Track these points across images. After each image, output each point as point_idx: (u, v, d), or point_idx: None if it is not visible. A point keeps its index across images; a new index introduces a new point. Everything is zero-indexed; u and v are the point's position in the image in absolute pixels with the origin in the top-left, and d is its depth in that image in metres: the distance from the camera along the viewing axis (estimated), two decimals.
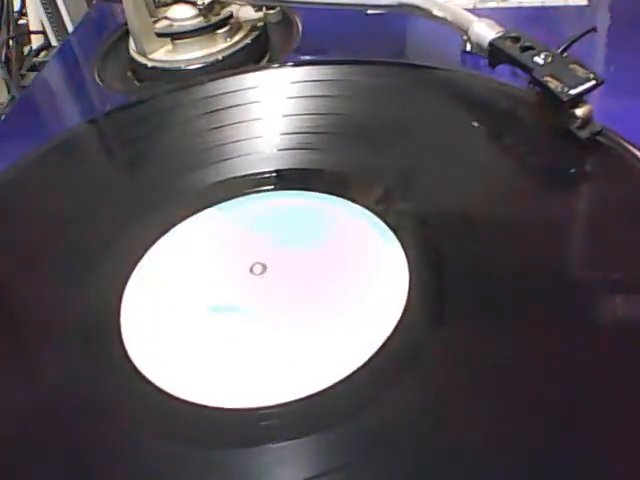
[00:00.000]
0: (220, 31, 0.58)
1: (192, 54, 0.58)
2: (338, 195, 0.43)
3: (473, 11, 0.49)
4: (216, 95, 0.52)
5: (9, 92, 0.78)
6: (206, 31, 0.58)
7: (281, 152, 0.47)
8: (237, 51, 0.59)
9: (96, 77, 0.61)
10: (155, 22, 0.59)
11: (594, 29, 0.47)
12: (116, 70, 0.62)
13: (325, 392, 0.33)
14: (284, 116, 0.50)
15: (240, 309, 0.38)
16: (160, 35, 0.58)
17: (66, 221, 0.45)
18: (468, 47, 0.50)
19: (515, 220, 0.40)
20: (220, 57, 0.58)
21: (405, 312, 0.36)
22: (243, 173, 0.46)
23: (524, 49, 0.44)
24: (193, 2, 0.58)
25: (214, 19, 0.58)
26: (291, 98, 0.51)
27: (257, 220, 0.43)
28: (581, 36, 0.45)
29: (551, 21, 0.58)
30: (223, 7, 0.59)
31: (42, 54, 0.83)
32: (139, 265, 0.41)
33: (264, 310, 0.38)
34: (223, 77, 0.54)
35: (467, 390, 0.32)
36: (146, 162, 0.49)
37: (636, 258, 0.36)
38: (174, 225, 0.43)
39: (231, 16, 0.59)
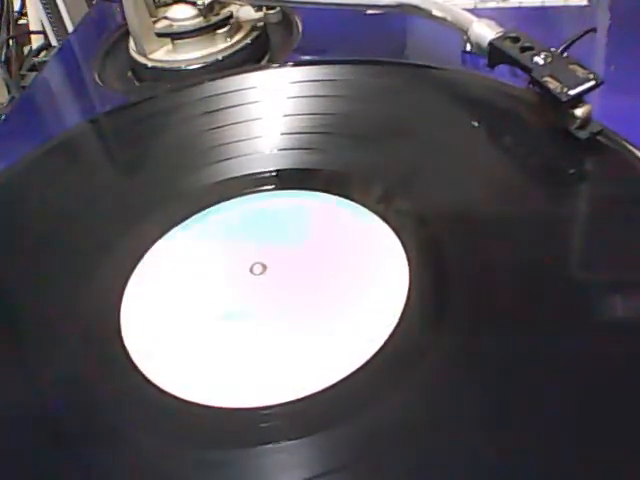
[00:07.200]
0: (220, 31, 0.58)
1: (192, 54, 0.58)
2: (338, 195, 0.43)
3: (473, 11, 0.49)
4: (216, 95, 0.52)
5: (9, 92, 0.78)
6: (206, 31, 0.58)
7: (281, 152, 0.47)
8: (237, 51, 0.59)
9: (96, 77, 0.61)
10: (155, 22, 0.59)
11: (594, 30, 0.47)
12: (116, 70, 0.62)
13: (325, 392, 0.33)
14: (284, 116, 0.50)
15: (240, 309, 0.38)
16: (160, 35, 0.58)
17: (66, 221, 0.45)
18: (468, 47, 0.50)
19: (515, 220, 0.40)
20: (220, 57, 0.58)
21: (405, 312, 0.36)
22: (243, 173, 0.46)
23: (524, 49, 0.44)
24: (193, 2, 0.58)
25: (214, 19, 0.58)
26: (291, 98, 0.51)
27: (257, 220, 0.43)
28: (581, 36, 0.45)
29: (551, 21, 0.58)
30: (223, 7, 0.59)
31: (42, 54, 0.83)
32: (139, 265, 0.41)
33: (264, 310, 0.38)
34: (223, 77, 0.54)
35: (467, 390, 0.32)
36: (146, 162, 0.49)
37: (636, 258, 0.36)
38: (174, 225, 0.43)
39: (231, 16, 0.59)
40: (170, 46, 0.59)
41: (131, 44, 0.61)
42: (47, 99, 0.61)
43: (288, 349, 0.36)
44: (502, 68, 0.46)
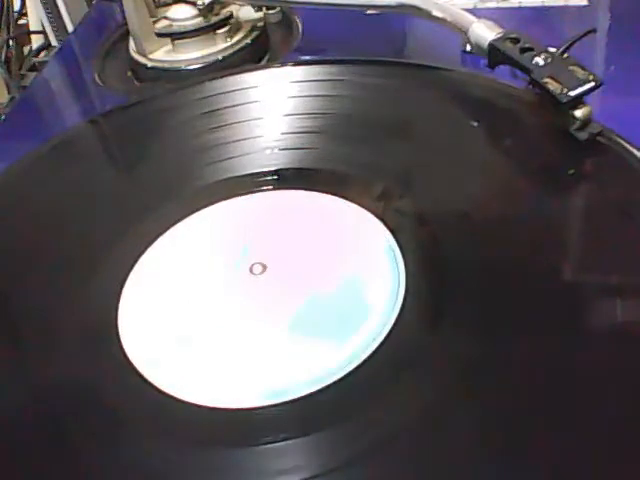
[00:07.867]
0: (220, 31, 0.58)
1: (192, 54, 0.58)
2: (338, 195, 0.43)
3: (473, 11, 0.49)
4: (216, 95, 0.52)
5: (9, 92, 0.78)
6: (206, 31, 0.58)
7: (281, 152, 0.47)
8: (237, 51, 0.59)
9: (96, 77, 0.61)
10: (155, 22, 0.59)
11: (594, 31, 0.47)
12: (116, 70, 0.62)
13: (323, 392, 0.33)
14: (284, 116, 0.50)
15: (239, 309, 0.38)
16: (160, 35, 0.58)
17: (65, 221, 0.45)
18: (468, 47, 0.50)
19: (514, 220, 0.40)
20: (220, 57, 0.58)
21: (402, 312, 0.36)
22: (243, 173, 0.46)
23: (524, 50, 0.44)
24: (193, 2, 0.58)
25: (214, 19, 0.58)
26: (291, 98, 0.51)
27: (257, 220, 0.43)
28: (580, 37, 0.45)
29: (551, 21, 0.58)
30: (223, 7, 0.59)
31: (42, 54, 0.83)
32: (138, 265, 0.41)
33: (264, 310, 0.38)
34: (223, 77, 0.54)
35: (466, 390, 0.32)
36: (146, 162, 0.49)
37: (636, 258, 0.36)
38: (173, 225, 0.43)
39: (231, 16, 0.59)
40: (170, 46, 0.59)
41: (131, 44, 0.61)
42: (47, 99, 0.61)
43: (287, 349, 0.36)
44: (502, 68, 0.46)
